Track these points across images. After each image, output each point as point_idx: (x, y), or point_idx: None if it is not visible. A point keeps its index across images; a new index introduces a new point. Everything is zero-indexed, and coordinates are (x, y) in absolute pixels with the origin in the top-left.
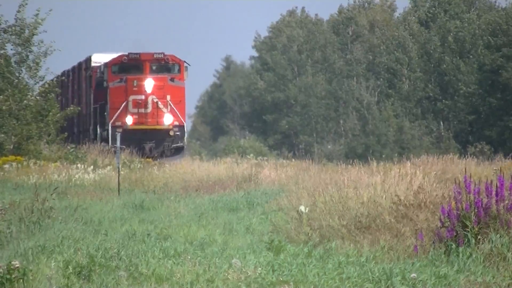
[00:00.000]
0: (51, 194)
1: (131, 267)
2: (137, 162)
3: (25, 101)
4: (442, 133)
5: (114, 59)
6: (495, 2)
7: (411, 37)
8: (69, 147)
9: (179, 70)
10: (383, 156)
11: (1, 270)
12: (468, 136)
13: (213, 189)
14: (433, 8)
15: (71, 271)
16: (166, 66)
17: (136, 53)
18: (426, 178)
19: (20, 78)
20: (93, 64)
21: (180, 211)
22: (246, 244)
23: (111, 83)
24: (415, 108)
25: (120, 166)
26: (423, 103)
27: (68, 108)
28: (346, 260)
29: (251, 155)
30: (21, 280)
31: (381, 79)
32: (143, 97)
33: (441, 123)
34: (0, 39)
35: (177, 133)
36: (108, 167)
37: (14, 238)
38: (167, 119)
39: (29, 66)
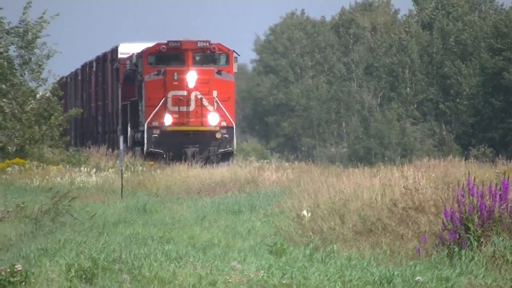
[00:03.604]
0: (69, 201)
1: (134, 270)
2: (139, 165)
3: (30, 105)
4: (444, 136)
5: (150, 48)
6: (502, 5)
7: (413, 39)
8: (71, 150)
9: (227, 61)
10: (386, 158)
11: (3, 273)
12: (470, 138)
13: (215, 191)
14: (436, 10)
15: (73, 274)
16: (212, 57)
17: (177, 41)
18: (428, 181)
19: (22, 80)
20: (120, 56)
21: (182, 213)
22: (248, 247)
23: (147, 76)
24: (417, 110)
25: (123, 169)
26: (425, 106)
27: (71, 110)
28: (348, 263)
29: (252, 157)
30: (24, 283)
31: (383, 82)
32: (184, 92)
33: (443, 125)
34: (3, 41)
35: (225, 135)
36: (111, 170)
37: (17, 241)
38: (213, 119)
39: (31, 69)
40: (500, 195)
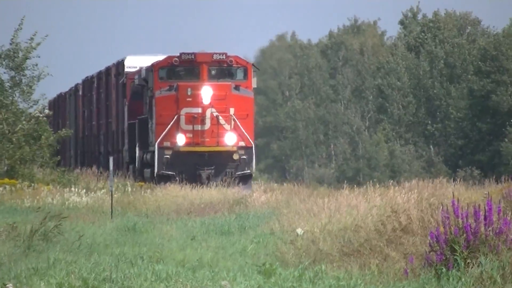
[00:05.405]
0: (59, 221)
1: None
2: (130, 185)
3: (20, 126)
4: (433, 158)
5: (161, 61)
6: (487, 28)
7: (403, 62)
8: (59, 170)
9: (246, 76)
10: (374, 180)
11: None
12: (458, 160)
13: (204, 212)
14: (422, 33)
15: None
16: (229, 70)
17: (191, 54)
18: (415, 202)
19: (13, 101)
20: (126, 70)
21: (172, 234)
22: (238, 267)
23: (158, 91)
24: (405, 132)
25: (113, 190)
26: (414, 128)
27: (61, 131)
28: (337, 283)
29: None
30: None
31: (371, 104)
32: (199, 110)
33: (431, 147)
34: None
35: (243, 156)
36: (102, 191)
37: (8, 261)
38: (230, 139)
39: (22, 90)
40: (485, 216)
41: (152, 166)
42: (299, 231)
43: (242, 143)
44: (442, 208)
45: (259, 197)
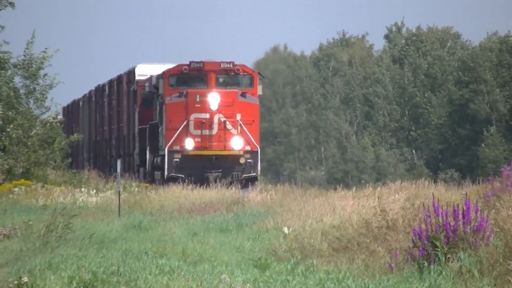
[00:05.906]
0: (70, 219)
1: (130, 282)
2: (135, 186)
3: (34, 131)
4: (415, 161)
5: (171, 69)
6: (466, 41)
7: (388, 72)
8: (71, 172)
9: (252, 83)
10: (362, 181)
11: (11, 285)
12: (438, 163)
13: (204, 211)
14: (406, 46)
15: (75, 286)
16: (236, 78)
17: (199, 62)
18: (399, 201)
19: (28, 108)
20: (137, 77)
21: (175, 231)
22: (235, 262)
23: (168, 98)
24: (390, 137)
25: (120, 190)
26: (398, 133)
27: (72, 136)
28: (327, 277)
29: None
30: None
31: (358, 111)
32: (207, 115)
33: (414, 151)
34: (9, 73)
35: (249, 160)
36: (110, 191)
37: (24, 256)
38: (237, 143)
39: (36, 98)
40: (463, 215)
41: (162, 169)
42: (286, 229)
43: (248, 147)
44: (424, 207)
45: (255, 197)
